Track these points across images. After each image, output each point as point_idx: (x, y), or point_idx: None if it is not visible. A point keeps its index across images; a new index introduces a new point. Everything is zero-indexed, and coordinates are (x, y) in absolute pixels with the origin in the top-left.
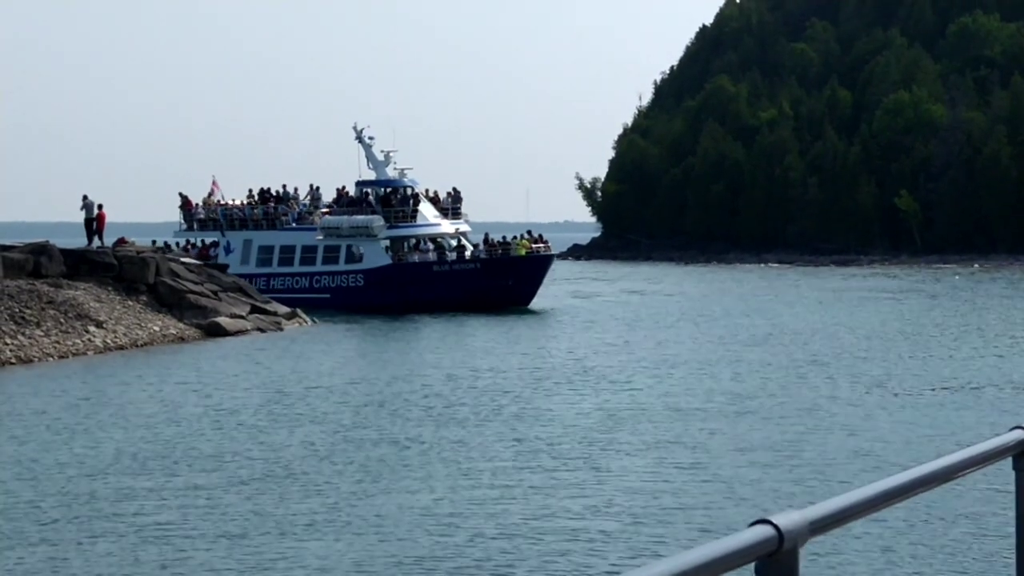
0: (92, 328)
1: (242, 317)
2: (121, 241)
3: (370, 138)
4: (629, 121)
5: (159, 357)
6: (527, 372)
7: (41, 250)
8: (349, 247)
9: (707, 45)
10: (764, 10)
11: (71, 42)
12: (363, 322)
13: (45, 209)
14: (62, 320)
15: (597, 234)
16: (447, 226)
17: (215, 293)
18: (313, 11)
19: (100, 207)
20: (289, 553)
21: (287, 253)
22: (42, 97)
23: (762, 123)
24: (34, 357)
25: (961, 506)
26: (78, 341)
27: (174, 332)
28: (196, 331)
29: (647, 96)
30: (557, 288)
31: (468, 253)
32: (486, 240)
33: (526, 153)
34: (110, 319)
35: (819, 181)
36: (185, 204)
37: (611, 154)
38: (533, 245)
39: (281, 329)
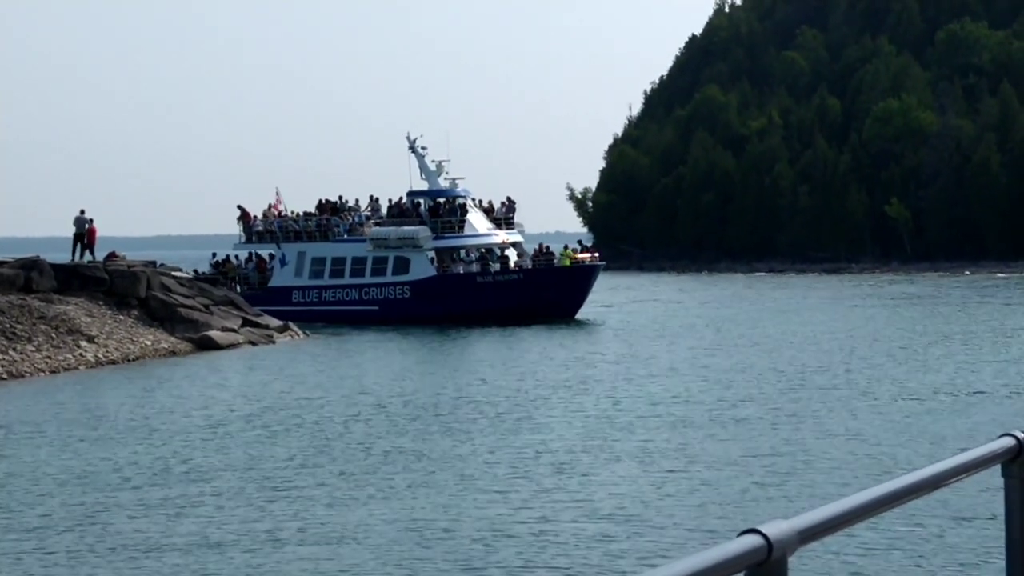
0: (83, 343)
1: (234, 330)
2: (112, 255)
3: (423, 148)
4: (619, 131)
5: (151, 371)
6: (514, 385)
7: (32, 265)
8: (397, 258)
9: (697, 55)
10: (753, 19)
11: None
12: (355, 335)
13: (35, 224)
14: (53, 335)
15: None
16: (500, 236)
17: (207, 307)
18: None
19: (91, 221)
20: (281, 563)
21: (338, 265)
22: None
23: (752, 132)
24: (25, 372)
25: (951, 513)
26: (69, 356)
27: (166, 346)
28: (188, 345)
29: (637, 106)
30: None
31: (512, 264)
32: (539, 250)
33: (516, 163)
34: (101, 334)
35: (809, 189)
36: (244, 216)
37: (602, 164)
38: (579, 255)
39: (273, 342)
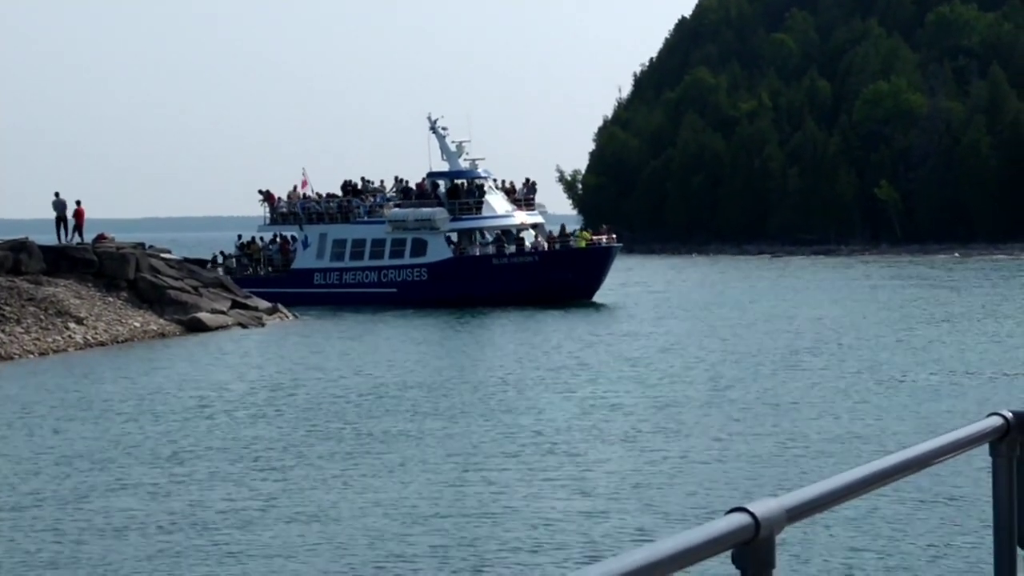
0: (72, 325)
1: (223, 312)
2: (101, 237)
3: (443, 128)
4: (609, 113)
5: (140, 353)
6: (504, 368)
7: (20, 247)
8: (414, 240)
9: (686, 37)
10: (743, 1)
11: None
12: (346, 317)
13: (23, 206)
14: (42, 317)
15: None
16: (520, 218)
17: (196, 289)
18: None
19: (78, 203)
20: (272, 542)
21: (358, 247)
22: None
23: (742, 114)
24: (14, 354)
25: (939, 491)
26: (58, 338)
27: (155, 328)
28: (177, 327)
29: (627, 88)
30: None
31: (528, 246)
32: (561, 231)
33: (506, 145)
34: (90, 315)
35: (799, 172)
36: (268, 198)
37: (591, 146)
38: (594, 237)
39: (262, 324)
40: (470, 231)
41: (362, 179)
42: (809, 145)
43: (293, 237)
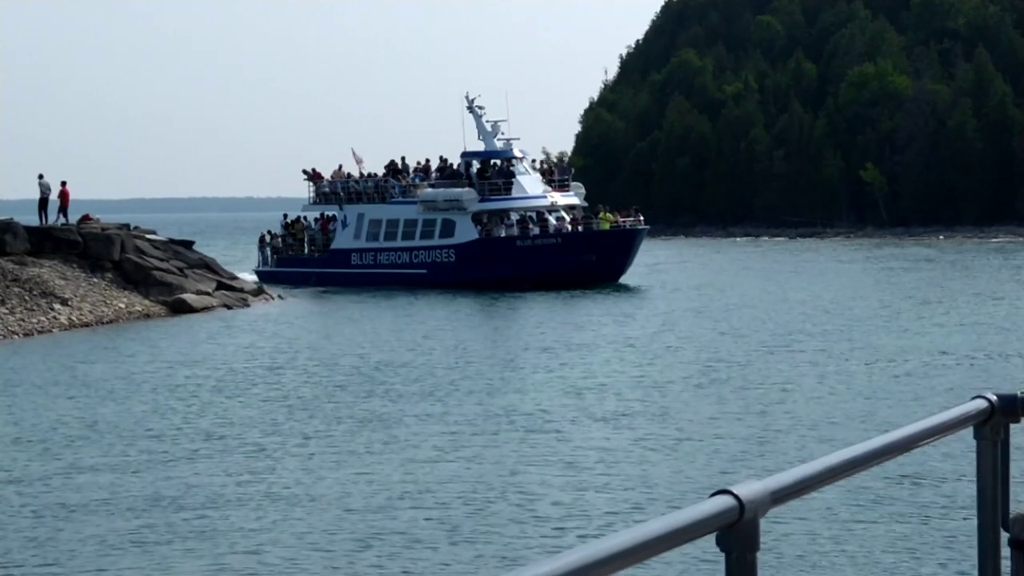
0: (57, 305)
1: (208, 294)
2: (86, 218)
3: (480, 108)
4: (595, 95)
5: (125, 334)
6: (491, 350)
7: (5, 228)
8: (444, 221)
9: (672, 18)
10: None
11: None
12: (331, 299)
13: (7, 187)
14: (27, 298)
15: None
16: (552, 198)
17: (181, 270)
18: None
19: (64, 184)
20: (249, 523)
21: (392, 227)
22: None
23: (728, 96)
24: None
25: (924, 473)
26: (43, 319)
27: (140, 309)
28: (162, 308)
29: (613, 70)
30: None
31: (552, 227)
32: (592, 213)
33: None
34: (75, 296)
35: (785, 154)
36: (313, 178)
37: (577, 128)
38: (620, 219)
39: (248, 305)
40: (498, 212)
41: (402, 159)
42: (795, 128)
43: (333, 216)
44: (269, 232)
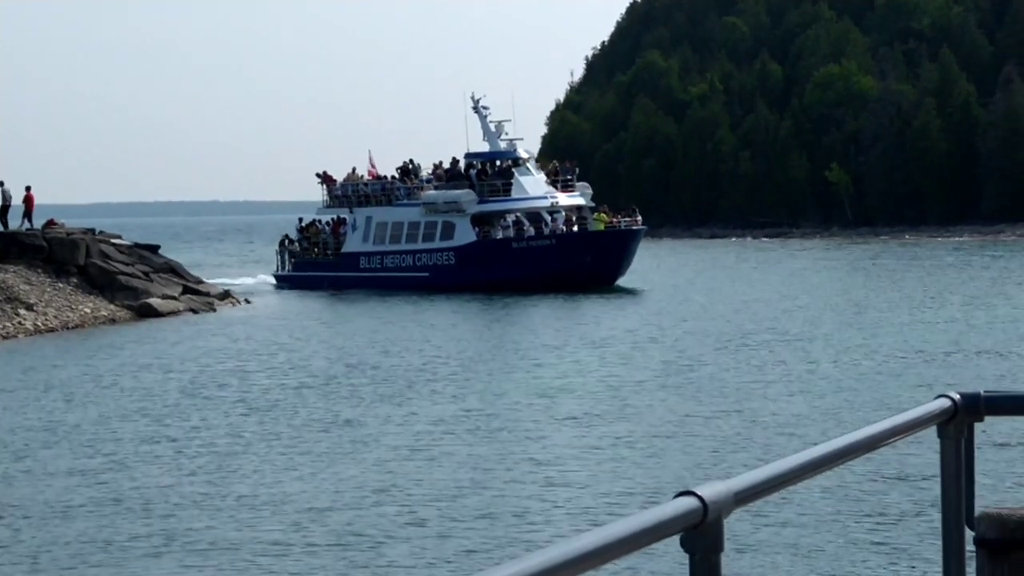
0: (22, 311)
1: (174, 298)
2: (51, 223)
3: (484, 107)
4: (561, 97)
5: (90, 339)
6: (458, 352)
7: None
8: (444, 223)
9: (638, 20)
10: None
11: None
12: (301, 302)
13: None
14: None
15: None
16: (554, 199)
17: (146, 274)
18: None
19: (28, 189)
20: (215, 527)
21: (397, 230)
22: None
23: (693, 98)
24: None
25: (890, 473)
26: (8, 324)
27: (105, 314)
28: (128, 312)
29: (579, 72)
30: None
31: (547, 229)
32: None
33: (457, 128)
34: (40, 301)
35: (751, 155)
36: (326, 181)
37: (543, 130)
38: (614, 219)
39: (214, 310)
40: (496, 214)
41: (410, 161)
42: (761, 128)
43: (344, 219)
44: (287, 236)
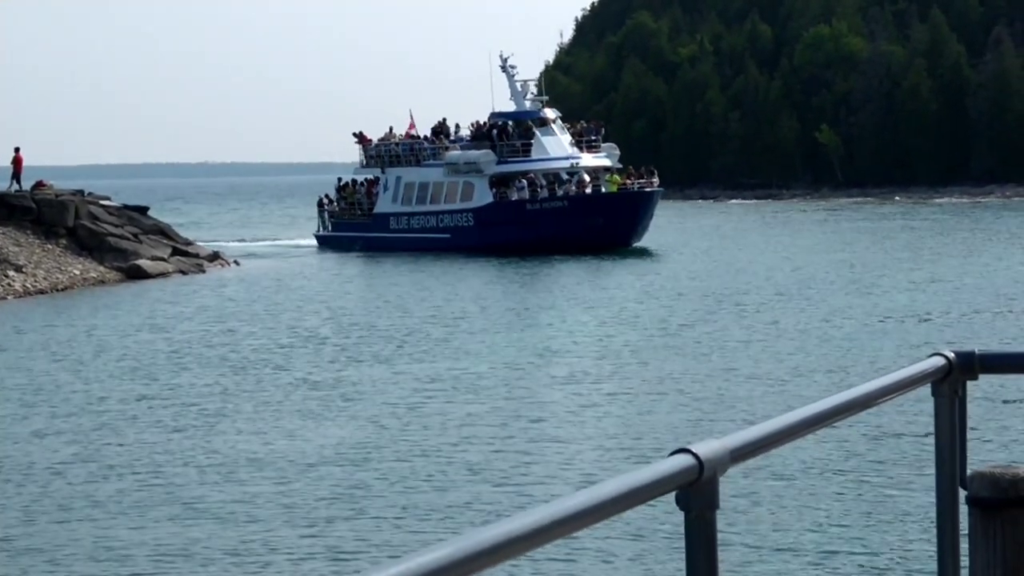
0: (11, 272)
1: (163, 259)
2: (39, 184)
3: (512, 67)
4: (551, 58)
5: (80, 300)
6: (439, 314)
7: None
8: (465, 184)
9: None
10: None
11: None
12: (294, 261)
13: None
14: None
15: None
16: (586, 159)
17: (136, 236)
18: None
19: (17, 150)
20: (204, 489)
21: (423, 191)
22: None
23: (683, 59)
24: None
25: (885, 431)
26: None
27: (94, 275)
28: (117, 274)
29: (568, 33)
30: None
31: (562, 190)
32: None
33: (449, 90)
34: (29, 263)
35: (741, 116)
36: (362, 141)
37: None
38: (628, 180)
39: (203, 271)
40: (515, 175)
41: (443, 120)
42: (751, 89)
43: (377, 179)
44: (327, 196)
